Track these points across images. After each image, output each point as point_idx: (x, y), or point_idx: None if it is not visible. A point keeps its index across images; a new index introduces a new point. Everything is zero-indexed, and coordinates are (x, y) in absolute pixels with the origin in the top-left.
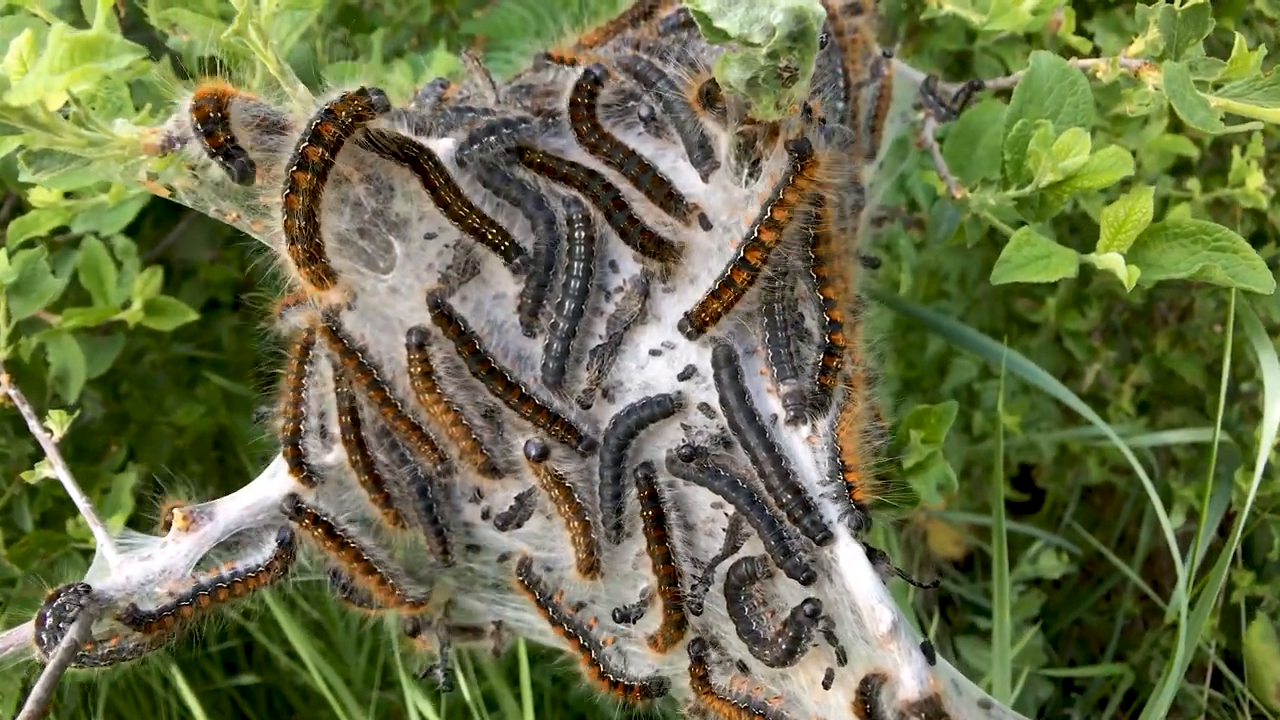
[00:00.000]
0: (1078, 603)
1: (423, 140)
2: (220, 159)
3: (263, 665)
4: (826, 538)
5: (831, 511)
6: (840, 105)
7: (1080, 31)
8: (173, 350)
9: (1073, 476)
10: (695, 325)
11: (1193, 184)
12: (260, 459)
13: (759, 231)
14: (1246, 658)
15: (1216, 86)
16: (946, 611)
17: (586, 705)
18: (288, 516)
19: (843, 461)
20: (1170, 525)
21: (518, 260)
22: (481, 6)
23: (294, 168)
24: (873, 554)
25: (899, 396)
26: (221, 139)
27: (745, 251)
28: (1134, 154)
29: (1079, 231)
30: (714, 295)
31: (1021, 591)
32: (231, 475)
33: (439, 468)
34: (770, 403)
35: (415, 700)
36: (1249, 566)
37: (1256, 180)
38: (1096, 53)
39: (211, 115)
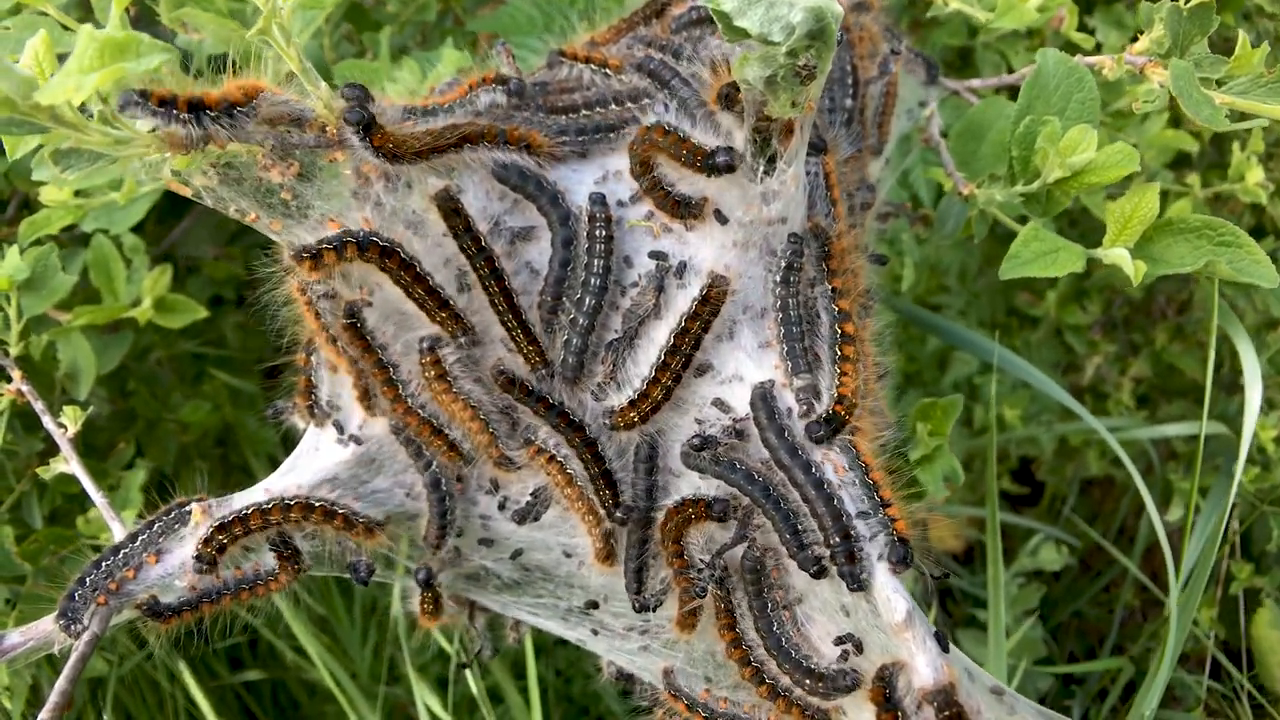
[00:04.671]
0: (1077, 595)
1: None
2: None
3: (268, 660)
4: (859, 587)
5: (871, 546)
6: (849, 102)
7: (1082, 27)
8: (178, 347)
9: (1072, 469)
10: (617, 425)
11: (1193, 179)
12: (267, 456)
13: (665, 356)
14: (1254, 644)
15: (1220, 83)
16: (947, 604)
17: (590, 698)
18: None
19: (881, 497)
20: (1158, 519)
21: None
22: (485, 4)
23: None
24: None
25: (900, 390)
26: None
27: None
28: (1134, 148)
29: (1077, 225)
30: (633, 403)
31: (1021, 584)
32: (235, 471)
33: (457, 464)
34: (787, 397)
35: (423, 696)
36: (1248, 558)
37: (1256, 175)
38: (1098, 48)
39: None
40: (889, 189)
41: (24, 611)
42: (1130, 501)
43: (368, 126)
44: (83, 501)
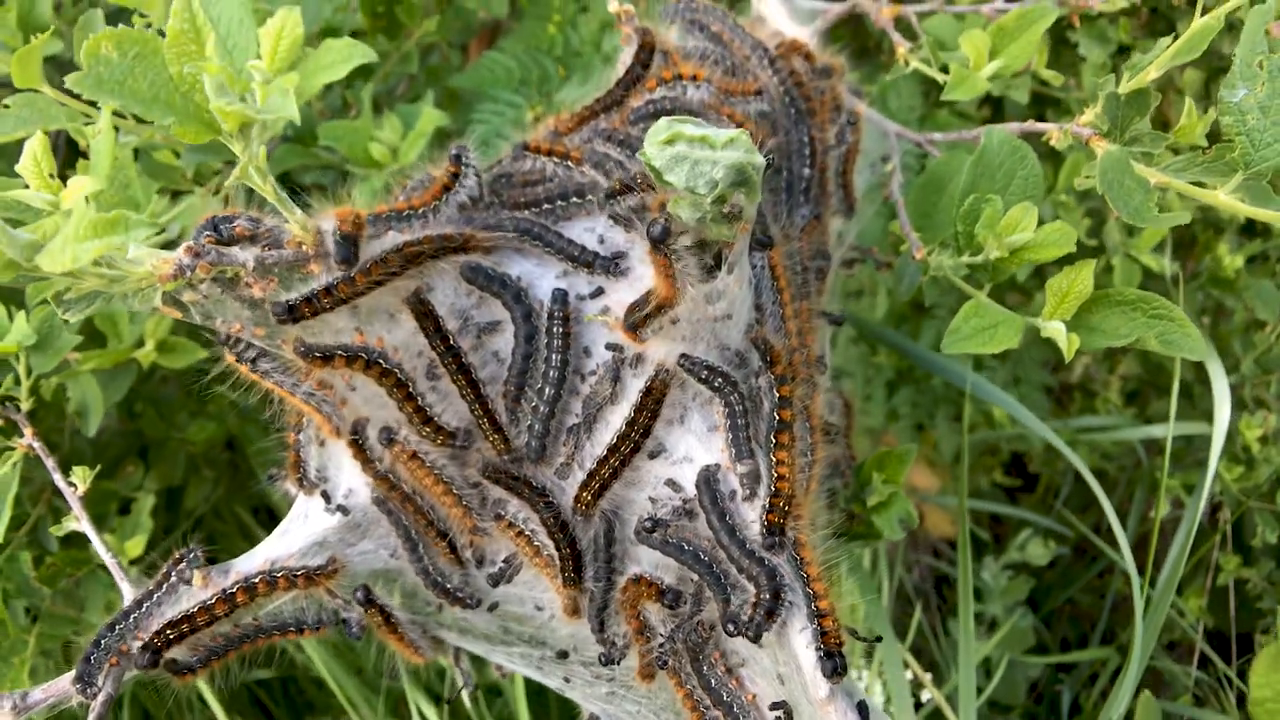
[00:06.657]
0: (1070, 582)
1: None
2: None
3: (277, 659)
4: (755, 639)
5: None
6: (807, 171)
7: (1064, 41)
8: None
9: (1063, 462)
10: (578, 511)
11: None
12: (268, 473)
13: (616, 440)
14: (1251, 691)
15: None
16: (942, 589)
17: None
18: None
19: (818, 607)
20: (1120, 530)
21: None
22: (472, 35)
23: None
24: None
25: (892, 388)
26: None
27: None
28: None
29: None
30: (584, 484)
31: (1012, 575)
32: (244, 477)
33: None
34: (731, 479)
35: (416, 700)
36: (1239, 552)
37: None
38: (1082, 60)
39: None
40: (856, 234)
41: (43, 630)
42: (1122, 492)
43: (294, 313)
44: (96, 523)
